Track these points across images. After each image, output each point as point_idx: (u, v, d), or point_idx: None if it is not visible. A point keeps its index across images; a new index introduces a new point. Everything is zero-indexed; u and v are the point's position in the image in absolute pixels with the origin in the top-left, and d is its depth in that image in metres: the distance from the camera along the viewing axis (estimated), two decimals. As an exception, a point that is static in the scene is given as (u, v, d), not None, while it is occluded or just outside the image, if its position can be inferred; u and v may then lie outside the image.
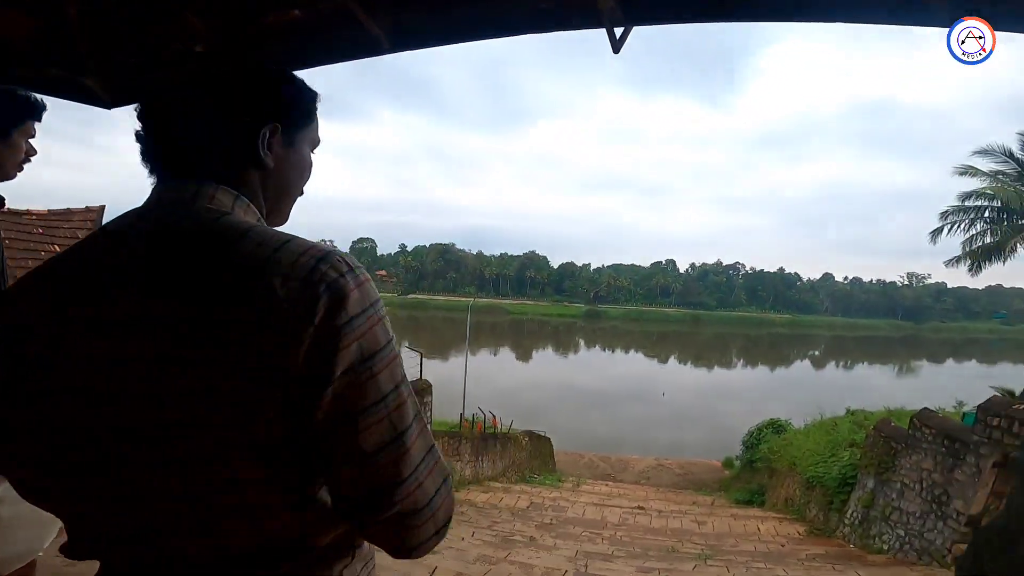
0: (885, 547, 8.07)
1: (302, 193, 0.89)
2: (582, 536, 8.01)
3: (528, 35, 1.54)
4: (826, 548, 8.33)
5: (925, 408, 8.84)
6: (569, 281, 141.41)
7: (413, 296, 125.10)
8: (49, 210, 10.59)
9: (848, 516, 9.18)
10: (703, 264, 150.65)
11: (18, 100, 1.61)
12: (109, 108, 2.04)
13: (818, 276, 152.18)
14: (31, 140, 1.69)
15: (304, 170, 0.87)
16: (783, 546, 8.42)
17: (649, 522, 10.04)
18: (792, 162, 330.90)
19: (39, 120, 1.67)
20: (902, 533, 7.86)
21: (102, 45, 1.78)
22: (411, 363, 11.78)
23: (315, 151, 0.88)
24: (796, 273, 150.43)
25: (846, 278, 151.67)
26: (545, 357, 68.51)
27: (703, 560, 6.77)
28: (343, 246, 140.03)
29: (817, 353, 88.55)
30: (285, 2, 1.56)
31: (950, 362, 79.16)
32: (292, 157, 0.83)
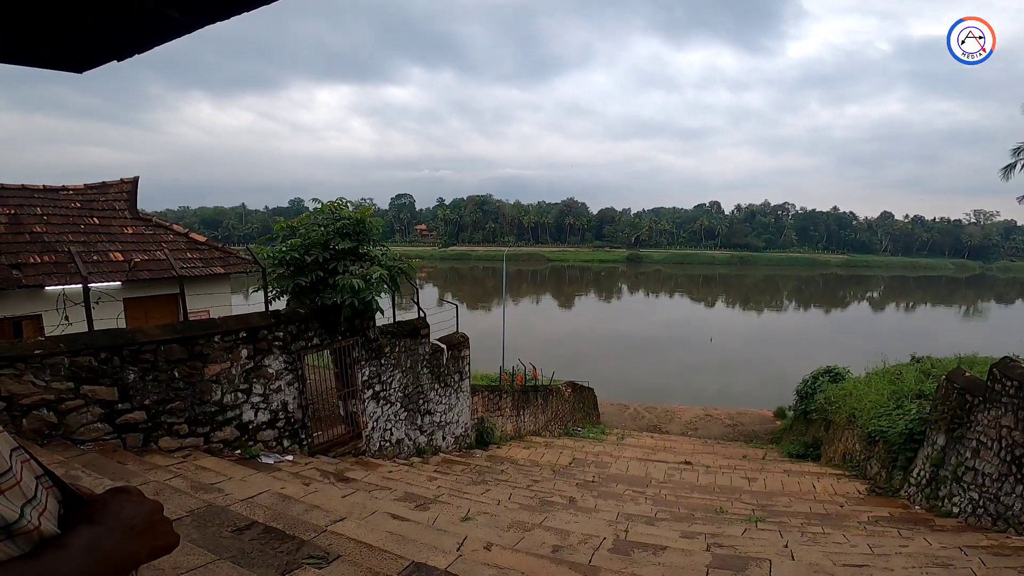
0: (955, 510, 7.46)
1: None
2: (625, 495, 7.76)
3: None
4: (889, 510, 7.80)
5: (1006, 357, 7.91)
6: (609, 227, 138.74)
7: (453, 248, 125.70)
8: (86, 184, 10.66)
9: (914, 475, 8.56)
10: (749, 205, 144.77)
11: None
12: (80, 72, 1.87)
13: (876, 215, 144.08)
14: None
15: None
16: (841, 507, 7.94)
17: (696, 479, 9.72)
18: (838, 103, 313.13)
19: None
20: (975, 496, 7.21)
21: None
22: (448, 316, 11.58)
23: None
24: (851, 212, 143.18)
25: (907, 216, 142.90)
26: (587, 304, 67.99)
27: (754, 523, 6.41)
28: (382, 203, 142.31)
29: (876, 295, 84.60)
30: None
31: (1020, 303, 74.34)
32: None
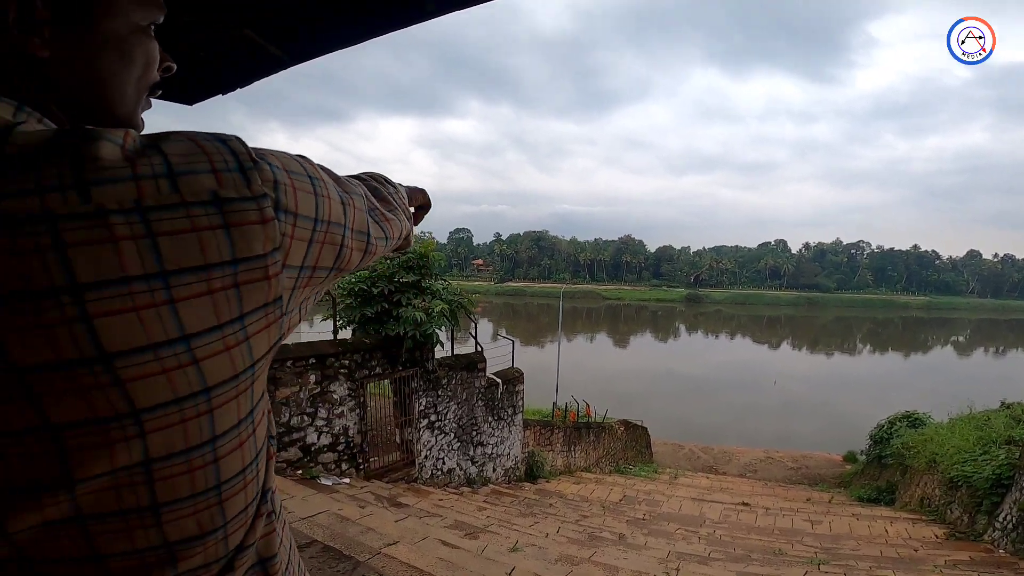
0: (1045, 557, 6.88)
1: (154, 86, 0.61)
2: (676, 534, 7.57)
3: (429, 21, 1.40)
4: (970, 554, 7.22)
5: (1103, 402, 7.38)
6: (667, 265, 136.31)
7: (509, 284, 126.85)
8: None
9: (1000, 519, 7.92)
10: (819, 244, 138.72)
11: None
12: (191, 105, 2.09)
13: (961, 254, 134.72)
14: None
15: (126, 53, 0.56)
16: (916, 551, 7.41)
17: (754, 520, 9.31)
18: (915, 134, 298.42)
19: None
20: (1068, 544, 6.65)
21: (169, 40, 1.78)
22: (504, 351, 11.77)
23: (152, 23, 0.59)
24: (934, 251, 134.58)
25: (996, 255, 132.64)
26: (643, 343, 66.51)
27: (815, 565, 6.12)
28: (441, 237, 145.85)
29: (961, 339, 78.26)
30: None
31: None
32: (90, 39, 0.53)
